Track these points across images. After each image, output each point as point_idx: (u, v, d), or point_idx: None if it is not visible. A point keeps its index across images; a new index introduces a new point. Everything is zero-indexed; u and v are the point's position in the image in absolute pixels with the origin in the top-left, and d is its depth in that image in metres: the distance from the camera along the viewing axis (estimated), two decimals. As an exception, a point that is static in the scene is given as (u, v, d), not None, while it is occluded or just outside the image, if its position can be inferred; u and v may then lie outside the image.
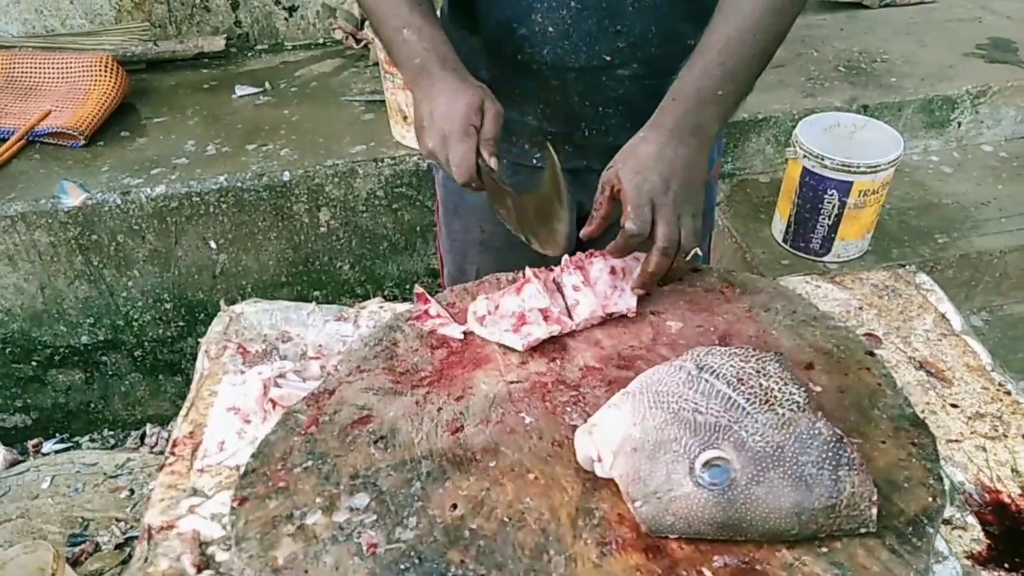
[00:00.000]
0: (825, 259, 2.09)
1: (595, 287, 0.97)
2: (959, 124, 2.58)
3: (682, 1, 1.04)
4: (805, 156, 1.96)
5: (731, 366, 0.73)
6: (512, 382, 0.87)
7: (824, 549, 0.66)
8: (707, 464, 0.67)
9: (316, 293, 2.35)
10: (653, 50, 1.05)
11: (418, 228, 2.31)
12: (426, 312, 1.00)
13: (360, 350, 0.94)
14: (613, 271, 0.98)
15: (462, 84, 0.96)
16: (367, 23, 2.54)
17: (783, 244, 2.17)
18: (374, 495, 0.73)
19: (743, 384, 0.71)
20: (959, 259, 2.20)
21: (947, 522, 0.81)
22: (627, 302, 0.96)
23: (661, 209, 0.90)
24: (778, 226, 2.18)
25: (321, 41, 2.85)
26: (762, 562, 0.66)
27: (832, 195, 1.95)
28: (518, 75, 1.10)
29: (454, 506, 0.72)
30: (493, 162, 0.94)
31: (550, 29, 1.03)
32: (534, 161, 1.19)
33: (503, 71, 1.10)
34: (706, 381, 0.72)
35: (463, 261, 1.34)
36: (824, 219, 2.01)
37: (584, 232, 0.97)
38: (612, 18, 1.02)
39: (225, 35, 2.67)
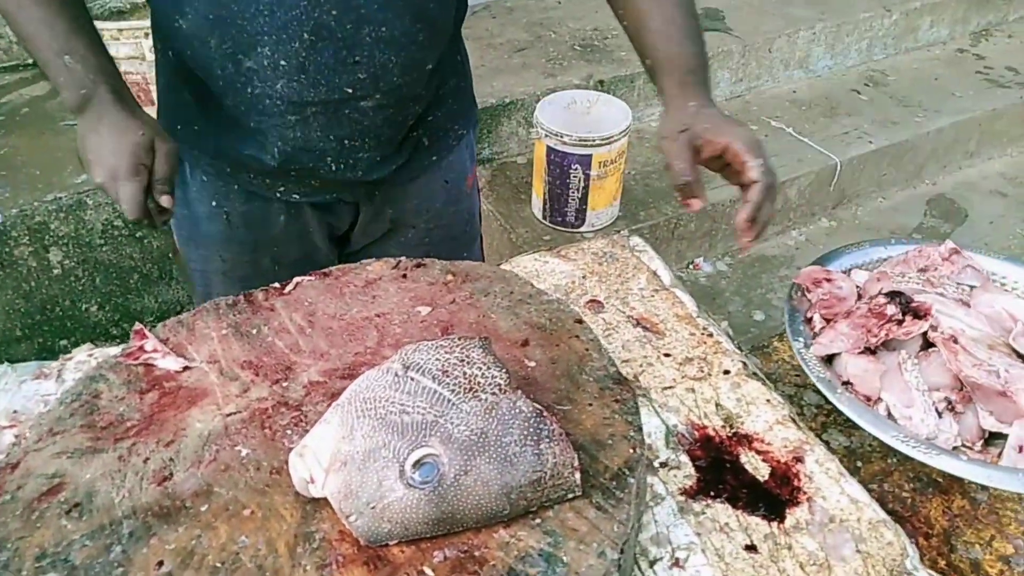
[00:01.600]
0: (582, 230, 2.22)
1: None
2: (685, 90, 2.83)
3: (420, 30, 1.00)
4: (547, 135, 2.05)
5: (436, 359, 0.73)
6: (230, 414, 0.82)
7: (537, 520, 0.69)
8: (417, 464, 0.67)
9: (64, 343, 2.12)
10: (395, 79, 1.01)
11: (170, 254, 2.14)
12: (141, 348, 0.91)
13: (55, 410, 0.84)
14: None
15: (131, 118, 0.94)
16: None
17: (543, 221, 2.26)
18: (65, 573, 0.66)
19: (448, 376, 0.72)
20: (698, 213, 2.42)
21: (664, 464, 0.89)
22: None
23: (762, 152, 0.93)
24: (536, 204, 2.27)
25: (31, 61, 2.54)
26: (480, 547, 0.67)
27: (576, 169, 2.06)
28: (251, 110, 1.02)
29: (159, 564, 0.66)
30: (166, 200, 0.94)
31: (282, 63, 0.95)
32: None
33: (235, 105, 1.02)
34: (412, 379, 0.71)
35: (208, 292, 1.25)
36: (574, 192, 2.12)
37: (675, 183, 0.97)
38: (349, 49, 0.96)
39: (-100, 64, 2.30)
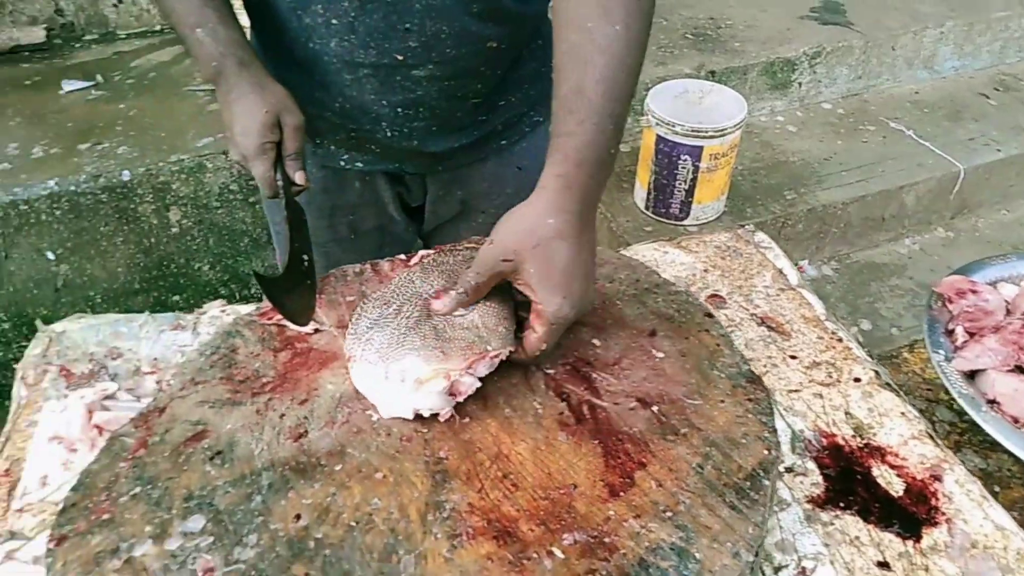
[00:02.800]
0: (685, 223, 2.17)
1: None
2: (800, 84, 2.73)
3: (474, 3, 0.97)
4: (657, 124, 2.01)
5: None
6: (360, 379, 0.83)
7: (669, 514, 0.68)
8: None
9: (175, 298, 2.22)
10: (448, 51, 0.99)
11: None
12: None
13: (195, 361, 0.88)
14: None
15: (259, 93, 0.94)
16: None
17: (645, 211, 2.22)
18: (210, 516, 0.68)
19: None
20: (807, 213, 2.34)
21: (789, 470, 0.85)
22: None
23: (566, 326, 0.79)
24: (639, 194, 2.23)
25: (158, 28, 2.66)
26: (610, 534, 0.66)
27: (685, 160, 2.01)
28: (312, 68, 1.04)
29: (298, 516, 0.68)
30: (299, 177, 0.93)
31: (333, 21, 0.96)
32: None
33: (303, 58, 1.04)
34: None
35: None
36: (681, 184, 2.08)
37: (438, 308, 0.84)
38: (400, 15, 0.95)
39: (44, 26, 2.44)
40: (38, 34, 2.38)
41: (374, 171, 1.16)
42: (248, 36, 1.02)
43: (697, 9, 2.89)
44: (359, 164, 1.14)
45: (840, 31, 2.78)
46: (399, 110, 1.05)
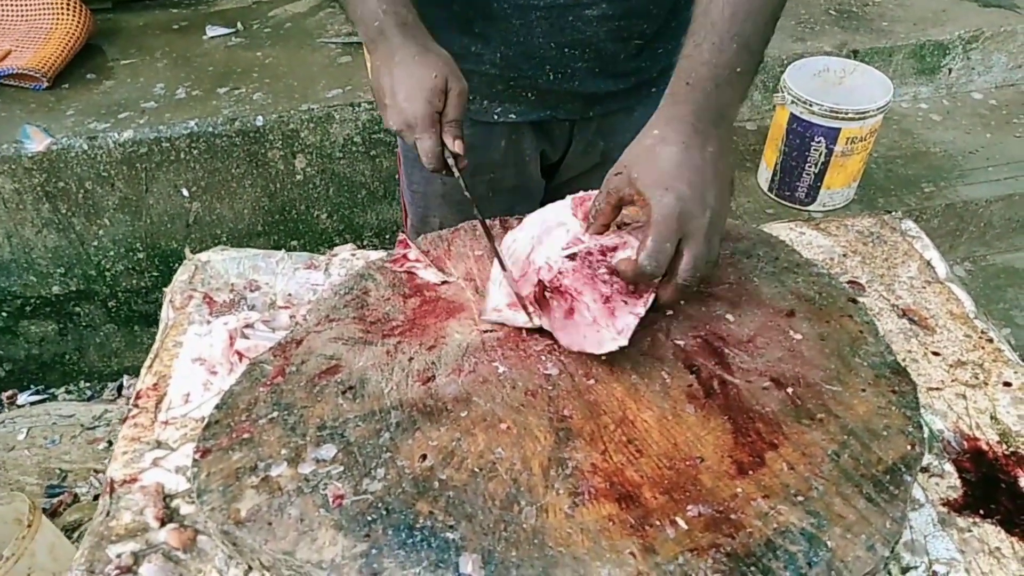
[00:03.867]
0: (810, 208, 2.07)
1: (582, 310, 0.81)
2: (950, 70, 2.54)
3: None
4: (793, 102, 1.92)
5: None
6: (486, 331, 0.84)
7: (800, 498, 0.65)
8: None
9: (293, 243, 2.31)
10: None
11: (397, 176, 2.25)
12: (404, 256, 0.96)
13: (330, 299, 0.91)
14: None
15: (424, 57, 0.91)
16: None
17: (768, 193, 2.14)
18: (341, 446, 0.71)
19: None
20: (945, 208, 2.19)
21: (924, 470, 0.81)
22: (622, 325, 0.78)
23: (691, 238, 0.74)
24: (764, 175, 2.14)
25: (295, -20, 2.74)
26: (737, 511, 0.64)
27: (819, 142, 1.92)
28: (479, 14, 1.04)
29: (423, 457, 0.70)
30: (458, 146, 0.90)
31: None
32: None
33: (464, 10, 1.04)
34: None
35: (426, 212, 1.30)
36: (811, 167, 1.98)
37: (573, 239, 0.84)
38: None
39: (194, -28, 2.56)
40: (188, -19, 2.50)
41: (523, 124, 1.16)
42: None
43: (842, -16, 2.72)
44: (512, 116, 1.14)
45: (1003, 15, 2.56)
46: (565, 50, 1.05)
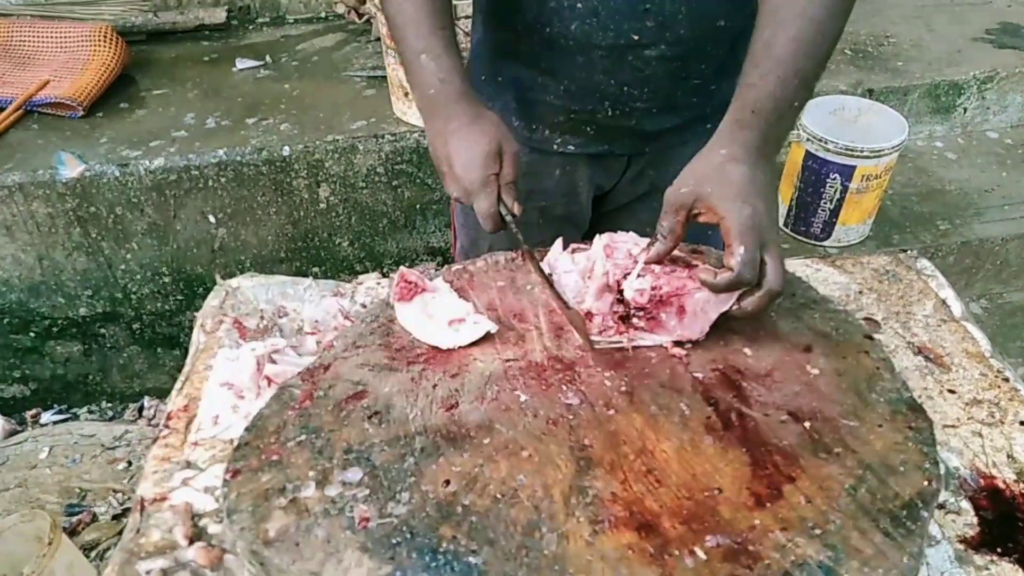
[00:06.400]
0: (825, 244, 2.09)
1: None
2: (965, 110, 2.56)
3: None
4: (808, 139, 1.95)
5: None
6: (508, 360, 0.86)
7: (818, 531, 0.66)
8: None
9: (315, 269, 2.35)
10: (682, 31, 1.02)
11: (418, 206, 2.29)
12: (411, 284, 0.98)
13: (357, 326, 0.94)
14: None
15: (480, 124, 0.96)
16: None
17: (784, 228, 2.16)
18: (367, 470, 0.73)
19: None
20: (960, 246, 2.19)
21: (941, 507, 0.81)
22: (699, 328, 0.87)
23: (770, 246, 0.80)
24: (780, 210, 2.16)
25: (323, 15, 2.82)
26: (755, 543, 0.66)
27: (835, 179, 1.94)
28: (545, 49, 1.08)
29: (447, 482, 0.71)
30: (516, 208, 0.95)
31: (579, 5, 1.01)
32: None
33: (531, 45, 1.09)
34: None
35: (476, 236, 1.33)
36: (826, 203, 2.00)
37: (648, 258, 0.88)
38: None
39: (226, 7, 2.64)
40: (220, 15, 2.58)
41: (580, 156, 1.19)
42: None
43: (859, 24, 2.76)
44: (571, 147, 1.18)
45: (1018, 55, 2.59)
46: (625, 88, 1.08)
